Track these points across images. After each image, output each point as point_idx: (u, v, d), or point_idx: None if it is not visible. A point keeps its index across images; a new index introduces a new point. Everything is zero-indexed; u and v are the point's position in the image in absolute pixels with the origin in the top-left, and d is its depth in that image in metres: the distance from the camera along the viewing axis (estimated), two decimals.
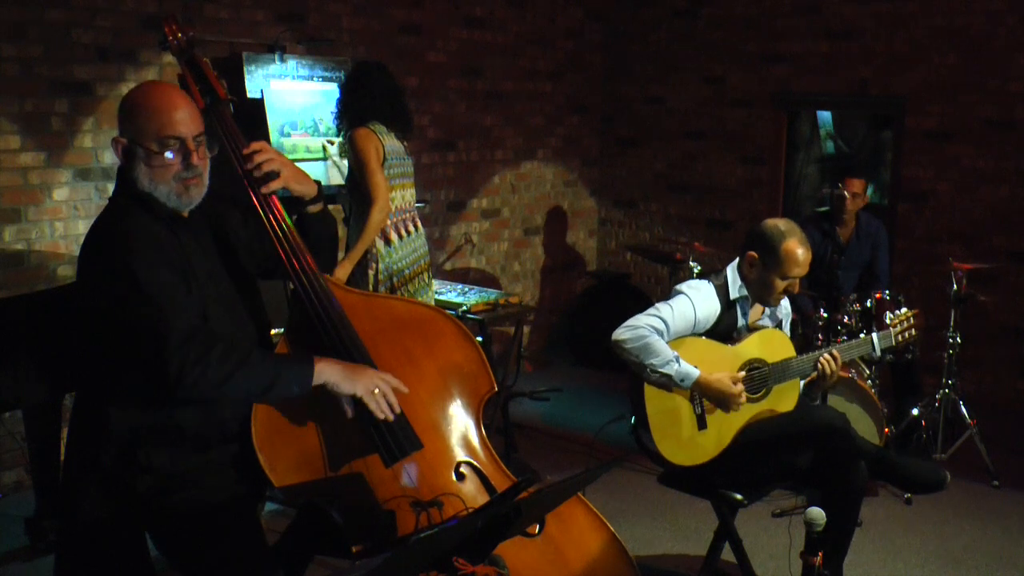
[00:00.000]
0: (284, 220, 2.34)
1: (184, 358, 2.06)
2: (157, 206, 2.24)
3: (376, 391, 2.20)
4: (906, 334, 3.50)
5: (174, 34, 2.45)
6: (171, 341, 2.06)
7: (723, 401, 3.22)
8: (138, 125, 2.20)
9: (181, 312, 2.12)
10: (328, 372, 2.17)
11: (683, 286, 3.37)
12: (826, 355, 3.32)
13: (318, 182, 2.51)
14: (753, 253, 3.33)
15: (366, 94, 4.19)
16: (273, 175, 2.34)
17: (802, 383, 3.45)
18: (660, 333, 3.18)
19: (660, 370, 3.15)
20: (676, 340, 3.24)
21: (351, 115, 4.20)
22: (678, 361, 3.17)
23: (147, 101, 2.22)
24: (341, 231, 5.04)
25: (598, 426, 5.03)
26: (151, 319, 2.08)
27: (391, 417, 2.22)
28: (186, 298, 2.18)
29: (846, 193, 5.14)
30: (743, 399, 3.24)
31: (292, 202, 2.45)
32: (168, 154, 2.20)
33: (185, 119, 2.21)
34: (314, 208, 2.48)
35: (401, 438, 2.25)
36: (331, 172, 4.92)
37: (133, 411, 2.21)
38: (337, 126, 4.37)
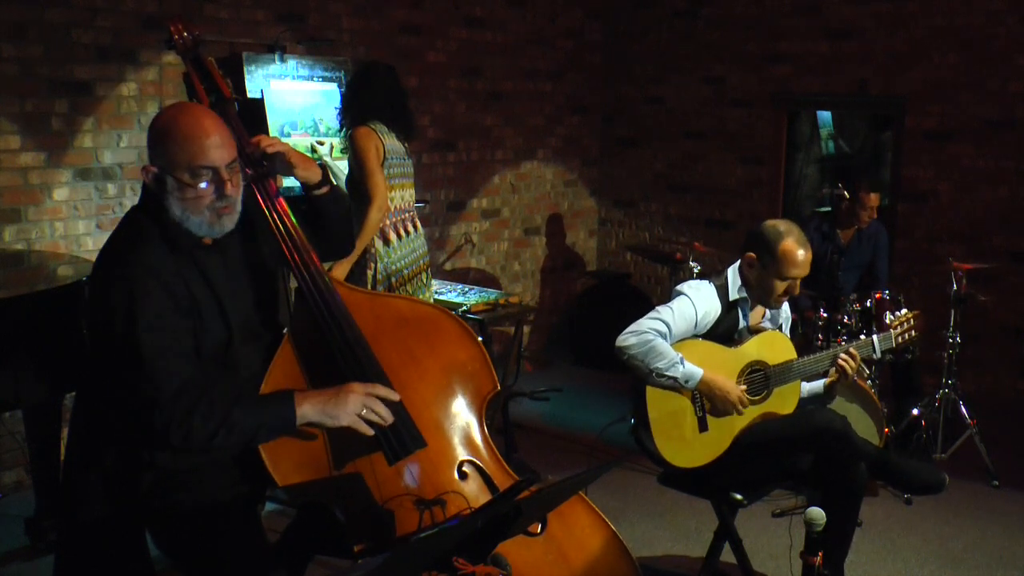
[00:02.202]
0: (289, 218, 2.33)
1: (168, 421, 2.06)
2: (183, 236, 2.18)
3: (364, 411, 2.16)
4: (906, 335, 3.50)
5: (180, 33, 2.45)
6: (159, 401, 2.06)
7: (725, 402, 3.22)
8: (169, 154, 2.13)
9: (172, 375, 2.09)
10: (310, 413, 2.14)
11: (683, 286, 3.37)
12: (843, 355, 3.31)
13: (321, 165, 2.48)
14: (752, 254, 3.33)
15: (370, 93, 4.19)
16: (280, 156, 2.32)
17: (821, 384, 3.44)
18: (663, 336, 3.18)
19: (666, 373, 3.15)
20: (678, 343, 3.24)
21: (353, 113, 4.21)
22: (683, 362, 3.16)
23: (178, 128, 2.13)
24: None
25: (598, 426, 5.03)
26: (140, 376, 2.07)
27: (386, 423, 2.20)
28: (185, 347, 2.14)
29: (868, 206, 5.12)
30: (745, 403, 3.24)
31: (298, 198, 2.44)
32: (202, 184, 2.13)
33: (218, 146, 2.13)
34: (321, 191, 2.45)
35: (405, 436, 2.25)
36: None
37: (126, 414, 2.20)
38: (340, 123, 4.38)
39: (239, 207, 2.22)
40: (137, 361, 2.07)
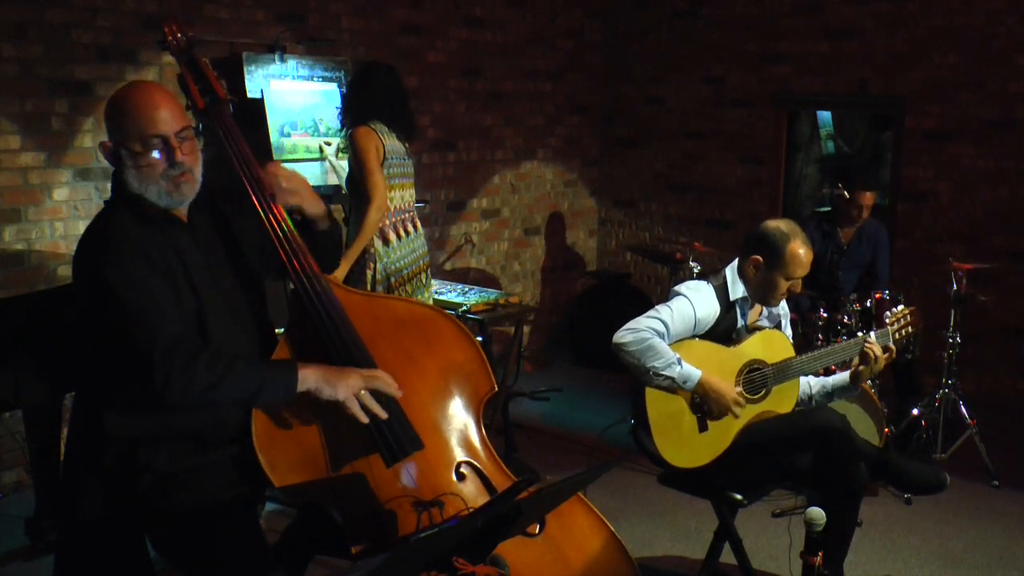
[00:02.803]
0: (284, 220, 2.34)
1: (169, 368, 2.08)
2: (149, 208, 2.25)
3: (363, 393, 2.19)
4: (904, 331, 3.49)
5: (173, 34, 2.45)
6: (155, 351, 2.08)
7: (721, 405, 3.22)
8: (121, 127, 2.22)
9: (164, 321, 2.14)
10: (311, 379, 2.17)
11: (681, 287, 3.37)
12: (870, 341, 3.30)
13: (325, 198, 2.54)
14: (757, 257, 3.33)
15: (371, 93, 4.19)
16: (292, 191, 2.36)
17: (847, 376, 3.43)
18: (661, 335, 3.18)
19: (663, 372, 3.15)
20: (676, 343, 3.24)
21: (354, 113, 4.21)
22: (680, 363, 3.16)
23: (127, 103, 2.23)
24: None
25: (598, 426, 5.03)
26: (131, 331, 2.11)
27: (382, 415, 2.21)
28: (171, 305, 2.19)
29: (862, 205, 5.11)
30: (742, 404, 3.24)
31: (303, 224, 2.45)
32: (154, 153, 2.21)
33: (166, 117, 2.21)
34: (323, 227, 2.49)
35: (402, 438, 2.25)
36: (328, 173, 4.93)
37: (127, 413, 2.21)
38: (341, 123, 4.38)
39: (198, 175, 2.29)
40: (127, 320, 2.12)
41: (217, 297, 2.30)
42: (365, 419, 2.20)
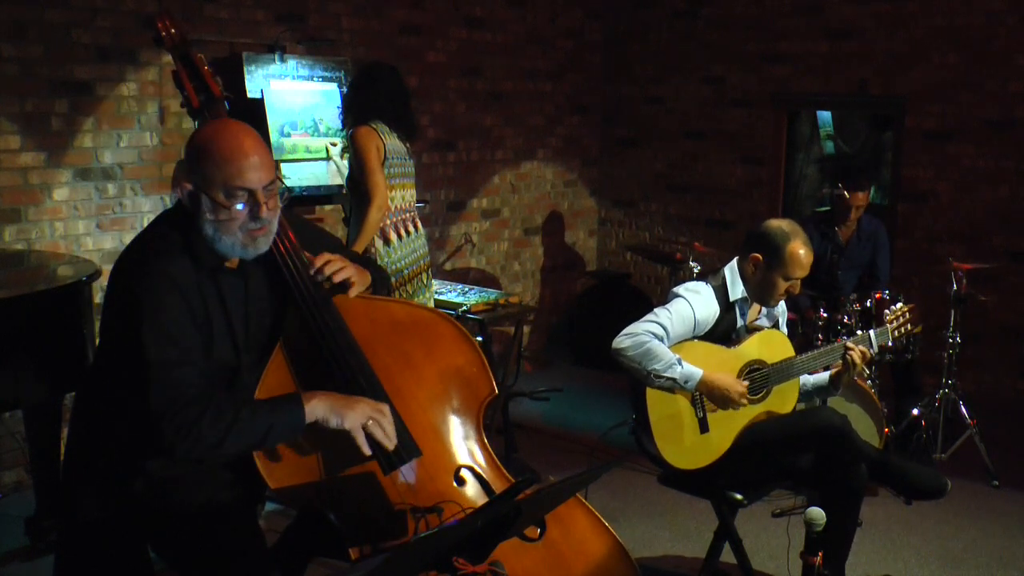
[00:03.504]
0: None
1: (176, 430, 2.04)
2: (208, 255, 2.16)
3: (370, 423, 2.14)
4: (903, 328, 3.49)
5: (167, 29, 2.42)
6: (166, 411, 2.04)
7: (727, 399, 3.22)
8: (205, 172, 2.09)
9: (183, 386, 2.07)
10: (319, 409, 2.12)
11: (680, 289, 3.36)
12: (850, 345, 3.31)
13: (368, 267, 2.45)
14: (757, 255, 3.33)
15: (372, 93, 4.19)
16: (347, 285, 2.29)
17: (827, 376, 3.44)
18: (660, 339, 3.17)
19: (664, 374, 3.15)
20: (676, 345, 3.24)
21: (355, 113, 4.21)
22: (680, 364, 3.16)
23: (216, 147, 2.09)
24: (341, 231, 5.07)
25: (598, 426, 5.03)
26: (148, 383, 2.05)
27: (390, 443, 2.17)
28: (197, 361, 2.12)
29: (852, 205, 5.11)
30: (746, 396, 3.24)
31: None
32: (239, 206, 2.09)
33: (256, 168, 2.09)
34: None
35: (399, 445, 2.20)
36: (333, 174, 4.92)
37: (131, 417, 2.20)
38: (342, 122, 4.38)
39: (275, 228, 2.19)
40: (150, 370, 2.05)
41: (254, 349, 2.26)
42: (368, 451, 2.15)
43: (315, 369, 2.24)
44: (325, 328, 2.24)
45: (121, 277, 2.18)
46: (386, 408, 2.18)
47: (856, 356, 3.29)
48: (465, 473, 2.33)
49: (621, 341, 3.19)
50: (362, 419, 2.13)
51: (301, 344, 2.26)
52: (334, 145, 4.92)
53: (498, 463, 2.39)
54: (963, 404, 4.84)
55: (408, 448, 2.24)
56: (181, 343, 2.09)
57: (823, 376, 3.47)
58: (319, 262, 2.28)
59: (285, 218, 2.29)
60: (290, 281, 2.27)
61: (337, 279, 2.27)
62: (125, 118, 4.57)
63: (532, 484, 2.05)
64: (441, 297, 4.79)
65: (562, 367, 6.86)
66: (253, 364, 2.25)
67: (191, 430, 2.04)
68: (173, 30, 2.42)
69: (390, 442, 2.16)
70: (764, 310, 3.50)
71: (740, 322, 3.40)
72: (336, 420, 2.12)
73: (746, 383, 3.27)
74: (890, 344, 3.50)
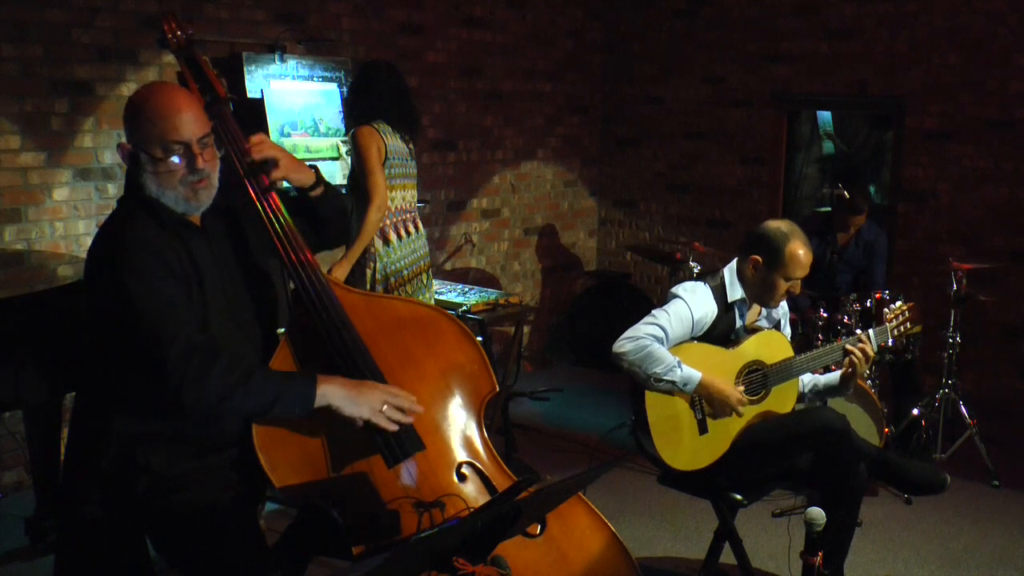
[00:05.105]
0: (282, 215, 2.33)
1: (183, 375, 2.06)
2: (165, 212, 2.22)
3: (385, 408, 2.18)
4: (902, 327, 3.49)
5: (173, 32, 2.44)
6: (169, 358, 2.06)
7: (724, 405, 3.22)
8: (141, 131, 2.18)
9: (181, 327, 2.11)
10: (332, 395, 2.15)
11: (678, 289, 3.36)
12: (849, 346, 3.30)
13: (314, 167, 2.49)
14: (757, 257, 3.33)
15: (373, 93, 4.19)
16: (271, 162, 2.33)
17: (838, 375, 3.43)
18: (660, 341, 3.17)
19: (664, 378, 3.15)
20: (675, 346, 3.24)
21: (357, 113, 4.21)
22: (680, 366, 3.16)
23: (149, 105, 2.18)
24: None
25: (598, 426, 5.03)
26: (147, 336, 2.08)
27: (397, 427, 2.21)
28: (188, 311, 2.16)
29: (849, 224, 5.19)
30: (744, 403, 3.24)
31: (296, 200, 2.44)
32: (174, 159, 2.17)
33: (189, 122, 2.18)
34: (316, 192, 2.47)
35: (403, 439, 2.24)
36: (341, 172, 4.93)
37: (134, 414, 2.21)
38: (344, 124, 4.38)
39: (215, 181, 2.26)
40: (142, 326, 2.09)
41: (221, 298, 2.29)
42: (394, 427, 2.19)
43: (320, 363, 2.25)
44: (329, 322, 2.26)
45: (96, 253, 2.23)
46: (397, 388, 2.22)
47: (866, 349, 3.28)
48: (466, 469, 2.35)
49: (622, 345, 3.19)
50: (378, 406, 2.17)
51: (305, 338, 2.28)
52: (345, 143, 4.92)
53: (499, 459, 2.41)
54: (963, 404, 4.84)
55: (413, 441, 2.26)
56: (166, 294, 2.14)
57: (833, 376, 3.46)
58: (250, 139, 2.34)
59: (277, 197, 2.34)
60: (294, 277, 2.30)
61: (257, 157, 2.32)
62: None
63: (532, 484, 2.06)
64: (441, 297, 4.80)
65: (562, 367, 6.86)
66: (220, 311, 2.27)
67: (199, 378, 2.06)
68: (179, 32, 2.44)
69: (408, 419, 2.21)
70: (764, 312, 3.50)
71: (739, 323, 3.40)
72: (353, 409, 2.16)
73: (742, 388, 3.27)
74: (890, 343, 3.50)
